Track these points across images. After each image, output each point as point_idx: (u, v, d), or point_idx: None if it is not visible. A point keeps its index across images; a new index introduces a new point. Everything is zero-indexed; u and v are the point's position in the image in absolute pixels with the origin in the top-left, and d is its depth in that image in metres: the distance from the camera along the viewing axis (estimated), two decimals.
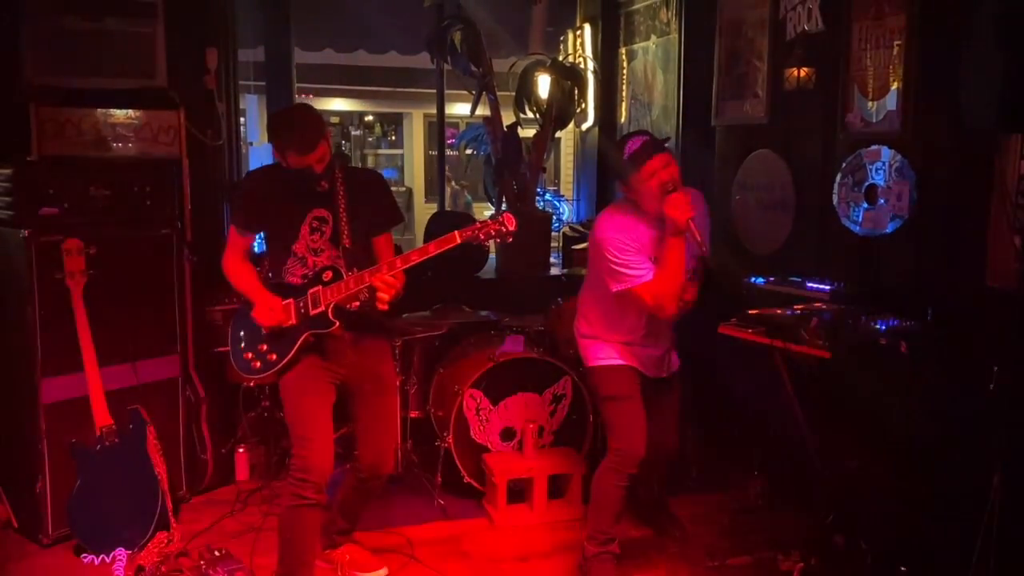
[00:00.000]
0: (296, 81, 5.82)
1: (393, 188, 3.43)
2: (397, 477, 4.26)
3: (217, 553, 3.43)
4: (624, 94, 6.01)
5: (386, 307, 2.96)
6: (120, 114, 4.05)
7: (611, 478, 3.32)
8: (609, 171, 6.21)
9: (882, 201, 3.73)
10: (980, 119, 3.00)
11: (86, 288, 3.56)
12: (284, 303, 3.03)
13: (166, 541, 3.60)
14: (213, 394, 4.19)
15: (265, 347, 3.07)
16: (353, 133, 14.12)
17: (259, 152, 6.98)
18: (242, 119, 5.60)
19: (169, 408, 3.99)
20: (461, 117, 10.09)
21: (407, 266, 2.95)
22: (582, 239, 5.59)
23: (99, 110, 4.00)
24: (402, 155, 14.42)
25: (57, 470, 3.59)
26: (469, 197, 12.90)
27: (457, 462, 4.07)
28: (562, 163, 11.00)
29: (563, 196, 8.06)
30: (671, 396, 3.55)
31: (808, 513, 3.74)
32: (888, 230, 3.72)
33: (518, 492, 4.02)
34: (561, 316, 4.33)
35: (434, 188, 11.48)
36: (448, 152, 7.70)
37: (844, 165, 3.89)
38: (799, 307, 3.37)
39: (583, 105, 6.01)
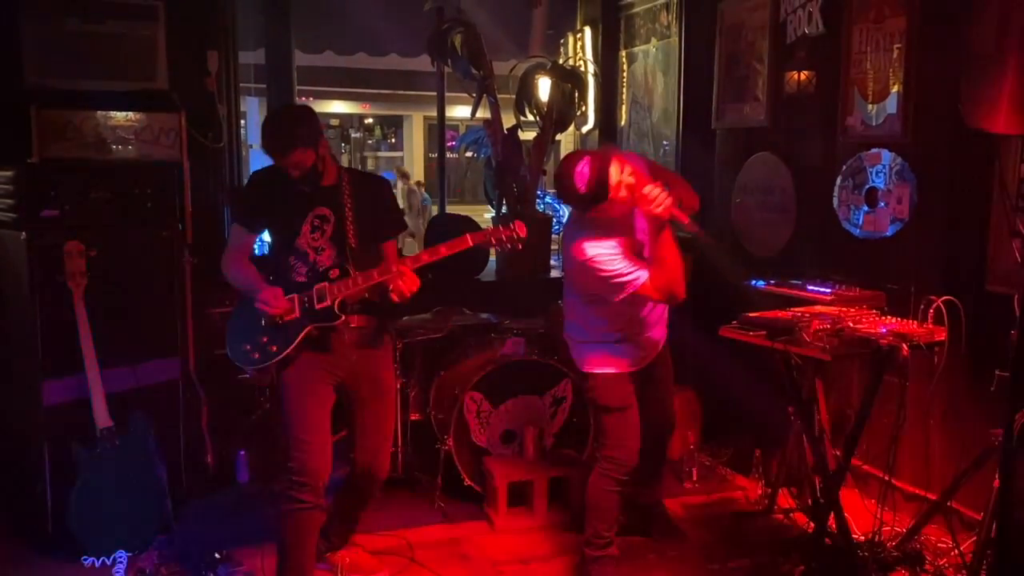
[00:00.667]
0: (297, 83, 5.82)
1: (396, 198, 3.45)
2: (397, 480, 4.26)
3: (218, 556, 3.43)
4: (624, 97, 6.01)
5: (396, 299, 2.98)
6: (121, 116, 4.05)
7: (604, 484, 3.31)
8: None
9: (882, 204, 3.73)
10: (980, 122, 3.02)
11: (87, 290, 3.56)
12: (288, 296, 3.03)
13: (167, 543, 3.59)
14: (214, 396, 4.19)
15: (266, 339, 3.06)
16: (353, 135, 14.13)
17: (259, 154, 6.97)
18: (243, 121, 5.60)
19: (170, 410, 3.99)
20: (461, 120, 10.11)
21: (417, 266, 2.96)
22: None
23: (100, 112, 4.01)
24: (402, 157, 14.43)
25: (58, 472, 3.59)
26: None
27: (457, 465, 4.07)
28: None
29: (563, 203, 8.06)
30: (664, 367, 3.53)
31: (809, 515, 3.74)
32: (888, 232, 3.72)
33: (519, 495, 4.02)
34: (561, 318, 4.33)
35: (434, 191, 11.49)
36: (448, 155, 7.71)
37: (844, 168, 3.90)
38: (800, 310, 3.37)
39: (583, 108, 6.00)
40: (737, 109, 4.68)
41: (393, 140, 14.60)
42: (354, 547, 3.52)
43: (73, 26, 4.15)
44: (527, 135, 5.73)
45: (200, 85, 4.50)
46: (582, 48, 6.23)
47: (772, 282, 3.84)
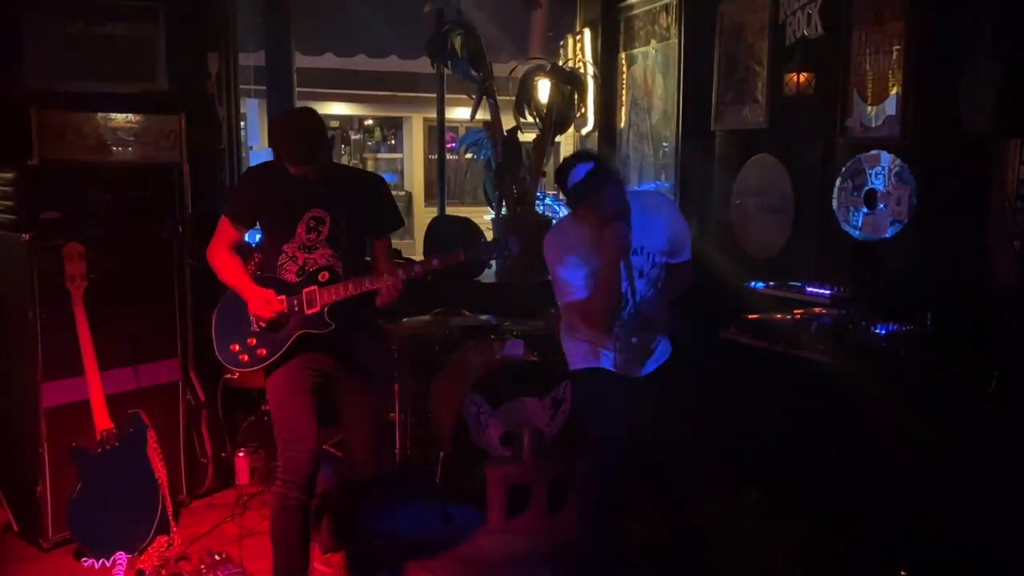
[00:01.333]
0: (296, 85, 5.83)
1: (393, 192, 3.43)
2: (396, 481, 4.26)
3: (217, 557, 3.44)
4: (624, 99, 6.01)
5: (382, 307, 3.01)
6: (121, 118, 4.05)
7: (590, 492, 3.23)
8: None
9: (882, 206, 3.73)
10: (979, 124, 3.02)
11: (87, 292, 3.57)
12: (279, 298, 3.02)
13: (166, 545, 3.60)
14: (213, 398, 4.19)
15: (254, 341, 3.05)
16: (353, 137, 14.11)
17: (259, 156, 6.97)
18: (243, 123, 5.61)
19: (169, 412, 4.00)
20: (461, 121, 10.08)
21: (409, 276, 2.98)
22: None
23: (100, 114, 4.00)
24: (402, 159, 14.42)
25: (57, 474, 3.59)
26: None
27: (457, 466, 4.07)
28: None
29: (563, 200, 8.06)
30: (664, 390, 3.36)
31: (808, 517, 3.74)
32: (888, 235, 3.72)
33: (518, 497, 4.02)
34: (560, 320, 4.33)
35: (434, 192, 11.49)
36: (448, 156, 7.71)
37: (844, 170, 3.90)
38: (799, 312, 3.37)
39: (583, 110, 6.01)
40: (736, 111, 4.68)
41: (393, 142, 14.59)
42: (352, 548, 3.52)
43: (74, 28, 4.16)
44: (527, 137, 5.74)
45: (200, 87, 4.51)
46: (582, 50, 6.24)
47: (771, 284, 3.84)
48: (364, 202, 3.14)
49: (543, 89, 5.60)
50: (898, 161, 3.64)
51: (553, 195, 6.56)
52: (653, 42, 5.56)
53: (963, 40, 3.29)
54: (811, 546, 3.41)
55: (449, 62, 5.45)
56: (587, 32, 6.22)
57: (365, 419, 3.27)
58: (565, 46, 6.57)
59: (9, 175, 3.65)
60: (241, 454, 4.34)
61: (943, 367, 3.17)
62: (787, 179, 4.30)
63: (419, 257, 4.99)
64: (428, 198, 13.60)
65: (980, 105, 3.00)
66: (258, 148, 7.84)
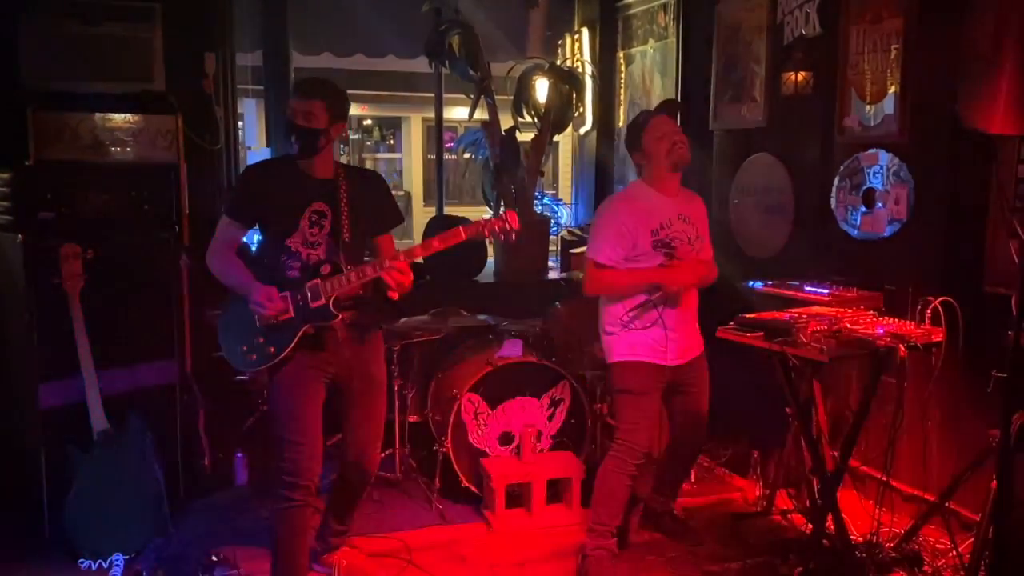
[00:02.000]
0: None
1: (392, 192, 3.43)
2: (395, 481, 4.26)
3: (215, 558, 3.42)
4: (622, 98, 6.01)
5: (395, 296, 2.99)
6: (118, 118, 4.04)
7: (615, 466, 3.38)
8: (607, 175, 6.21)
9: (880, 205, 3.73)
10: (978, 122, 3.01)
11: (83, 292, 3.56)
12: (281, 294, 2.99)
13: (164, 546, 3.59)
14: (211, 398, 4.18)
15: (262, 340, 3.02)
16: (351, 137, 14.12)
17: (257, 156, 6.97)
18: (240, 123, 5.59)
19: (167, 412, 3.98)
20: (459, 121, 10.09)
21: (411, 260, 2.96)
22: (580, 243, 5.58)
23: (97, 114, 3.99)
24: (400, 159, 14.43)
25: (54, 475, 3.58)
26: None
27: (455, 466, 4.07)
28: (560, 167, 11.02)
29: (561, 200, 8.06)
30: (699, 380, 3.57)
31: (807, 516, 3.74)
32: (886, 233, 3.72)
33: (516, 496, 4.01)
34: (559, 320, 4.33)
35: (432, 192, 11.49)
36: (446, 156, 7.70)
37: (842, 169, 3.90)
38: (797, 311, 3.36)
39: (581, 109, 6.01)
40: (735, 110, 4.68)
41: (392, 142, 14.59)
42: (351, 549, 3.52)
43: (70, 28, 4.14)
44: (525, 136, 5.73)
45: (197, 87, 4.50)
46: (580, 49, 6.24)
47: (769, 283, 3.84)
48: (365, 197, 3.13)
49: (541, 88, 5.60)
50: (896, 160, 3.64)
51: (551, 195, 6.56)
52: (651, 41, 5.56)
53: (961, 38, 3.28)
54: (808, 545, 3.40)
55: (447, 62, 5.44)
56: (585, 31, 6.22)
57: (367, 421, 3.27)
58: (563, 45, 6.57)
59: (5, 175, 3.64)
60: (239, 454, 4.34)
61: (942, 366, 3.17)
62: (786, 178, 4.30)
63: (420, 259, 4.99)
64: (427, 198, 13.61)
65: (978, 103, 2.99)
66: (255, 148, 7.83)
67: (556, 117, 5.61)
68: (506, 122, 5.63)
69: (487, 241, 5.53)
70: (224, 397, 4.33)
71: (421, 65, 5.95)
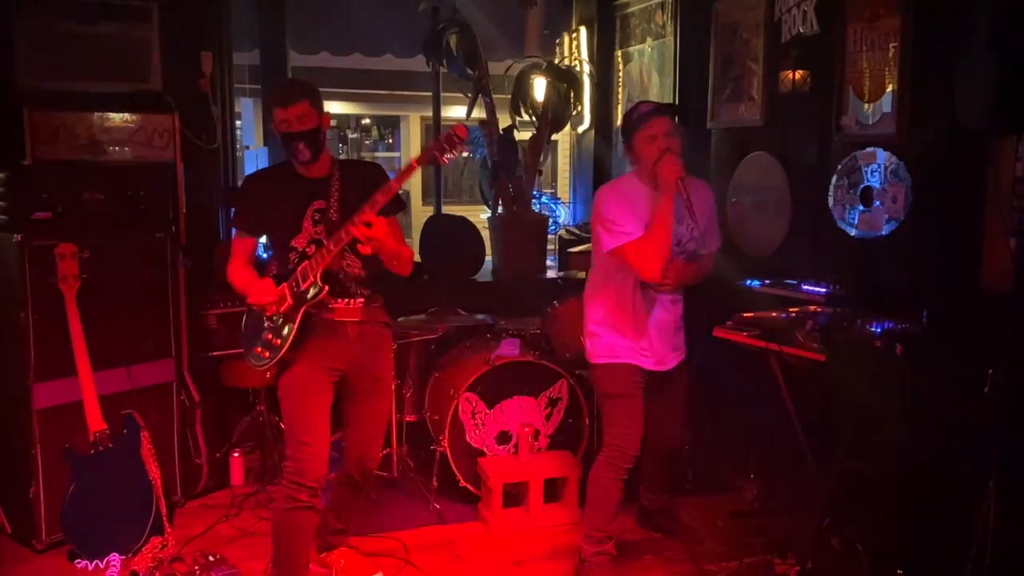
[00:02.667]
0: None
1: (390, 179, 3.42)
2: (392, 481, 4.25)
3: (212, 558, 3.42)
4: (620, 97, 6.00)
5: (368, 251, 2.94)
6: (115, 118, 4.04)
7: (607, 472, 3.34)
8: (605, 173, 6.20)
9: (878, 203, 3.72)
10: (976, 121, 3.01)
11: (80, 292, 3.55)
12: (279, 287, 3.02)
13: (160, 546, 3.59)
14: (208, 398, 4.18)
15: (270, 336, 3.06)
16: (350, 136, 14.10)
17: (254, 156, 6.97)
18: (237, 122, 5.59)
19: (163, 412, 3.98)
20: (457, 120, 10.08)
21: (377, 208, 2.86)
22: (579, 242, 5.58)
23: (93, 114, 3.99)
24: (399, 158, 14.41)
25: (50, 475, 3.58)
26: None
27: (453, 466, 4.06)
28: (558, 166, 11.00)
29: (559, 199, 8.06)
30: (678, 386, 3.54)
31: (804, 516, 3.74)
32: (884, 232, 3.71)
33: (514, 496, 4.01)
34: (557, 319, 4.33)
35: (431, 191, 11.47)
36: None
37: (839, 167, 3.89)
38: (794, 310, 3.36)
39: (579, 108, 6.00)
40: (732, 109, 4.67)
41: (390, 140, 14.57)
42: (349, 548, 3.52)
43: (66, 27, 4.14)
44: (523, 135, 5.73)
45: (194, 86, 4.49)
46: (577, 48, 6.23)
47: (767, 282, 3.84)
48: (363, 188, 3.12)
49: (539, 87, 5.60)
50: (894, 158, 3.64)
51: (549, 194, 6.55)
52: (649, 40, 5.55)
53: (959, 36, 3.27)
54: (806, 544, 3.40)
55: (445, 60, 5.44)
56: (583, 30, 6.21)
57: (372, 419, 3.28)
58: (561, 44, 6.56)
59: (2, 175, 3.63)
60: (236, 454, 4.34)
61: (938, 365, 3.16)
62: (783, 177, 4.30)
63: (418, 258, 4.99)
64: (425, 197, 13.58)
65: (977, 101, 2.99)
66: (253, 148, 7.83)
67: (554, 116, 5.60)
68: (504, 121, 5.63)
69: (486, 241, 5.54)
70: (221, 397, 4.32)
71: (419, 64, 5.95)
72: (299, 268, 3.01)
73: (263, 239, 3.42)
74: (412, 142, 14.00)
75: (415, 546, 3.71)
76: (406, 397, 4.33)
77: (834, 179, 3.92)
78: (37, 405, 3.57)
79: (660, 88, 5.39)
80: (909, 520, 3.47)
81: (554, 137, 6.09)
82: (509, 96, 5.62)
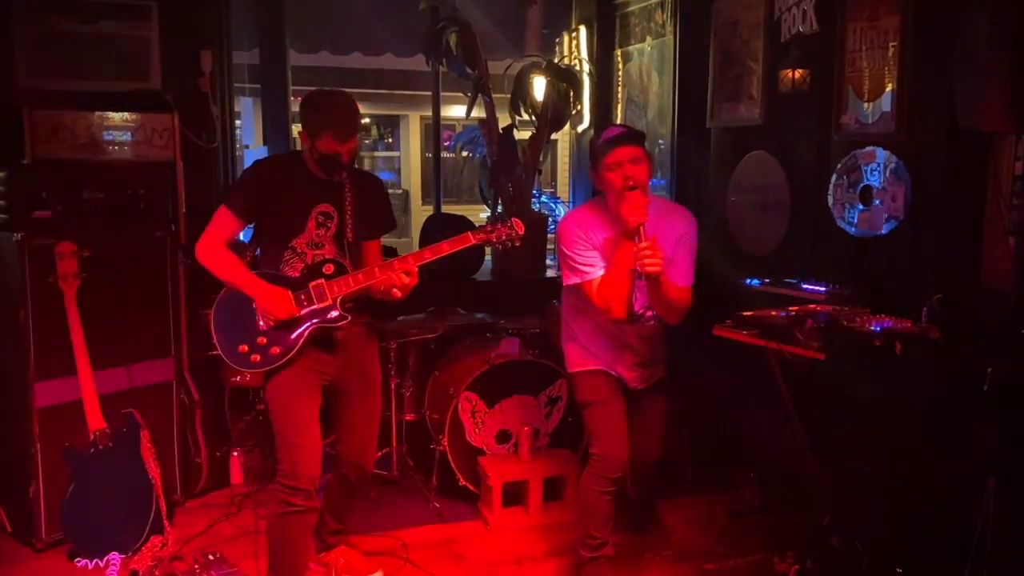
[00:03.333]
0: (291, 83, 5.81)
1: (390, 190, 3.45)
2: (392, 480, 4.26)
3: (211, 557, 3.42)
4: (619, 96, 6.00)
5: (400, 297, 2.99)
6: (115, 117, 4.04)
7: (594, 484, 3.25)
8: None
9: (877, 202, 3.72)
10: (976, 120, 3.01)
11: (79, 291, 3.56)
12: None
13: (160, 545, 3.59)
14: (207, 397, 4.18)
15: (264, 340, 2.98)
16: None
17: (254, 155, 6.97)
18: (237, 122, 5.58)
19: (163, 411, 3.98)
20: (457, 119, 10.09)
21: (420, 263, 2.95)
22: None
23: (93, 113, 3.99)
24: (399, 157, 14.41)
25: (50, 474, 3.58)
26: None
27: (452, 465, 4.07)
28: (558, 165, 11.00)
29: (559, 198, 8.07)
30: (654, 406, 3.48)
31: (803, 515, 3.74)
32: (883, 231, 3.71)
33: (514, 495, 4.01)
34: (557, 318, 4.32)
35: (430, 190, 11.48)
36: (444, 154, 7.70)
37: (839, 166, 3.89)
38: (794, 308, 3.36)
39: (579, 107, 6.00)
40: (732, 108, 4.67)
41: (390, 140, 14.57)
42: (348, 548, 3.52)
43: (66, 26, 4.13)
44: (522, 134, 5.72)
45: (194, 85, 4.49)
46: (577, 47, 6.22)
47: (766, 281, 3.83)
48: (367, 201, 3.13)
49: (538, 86, 5.59)
50: (894, 157, 3.63)
51: (549, 193, 6.55)
52: (648, 39, 5.55)
53: (959, 35, 3.27)
54: (805, 543, 3.40)
55: (444, 60, 5.43)
56: (582, 29, 6.20)
57: (366, 421, 3.27)
58: (561, 43, 6.55)
59: (2, 174, 3.63)
60: (235, 453, 4.34)
61: (938, 364, 3.16)
62: (782, 176, 4.30)
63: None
64: (424, 196, 13.59)
65: (975, 101, 2.99)
66: (252, 147, 7.83)
67: (553, 115, 5.60)
68: (503, 120, 5.63)
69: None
70: (220, 396, 4.32)
71: (419, 63, 5.94)
72: (313, 285, 2.97)
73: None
74: (411, 141, 14.00)
75: (415, 545, 3.71)
76: (406, 396, 4.33)
77: (833, 178, 3.92)
78: (37, 404, 3.57)
79: (660, 87, 5.39)
80: (909, 520, 3.47)
81: (553, 136, 6.08)
82: (509, 95, 5.62)
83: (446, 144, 8.75)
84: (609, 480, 3.23)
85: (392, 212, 3.36)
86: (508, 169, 5.51)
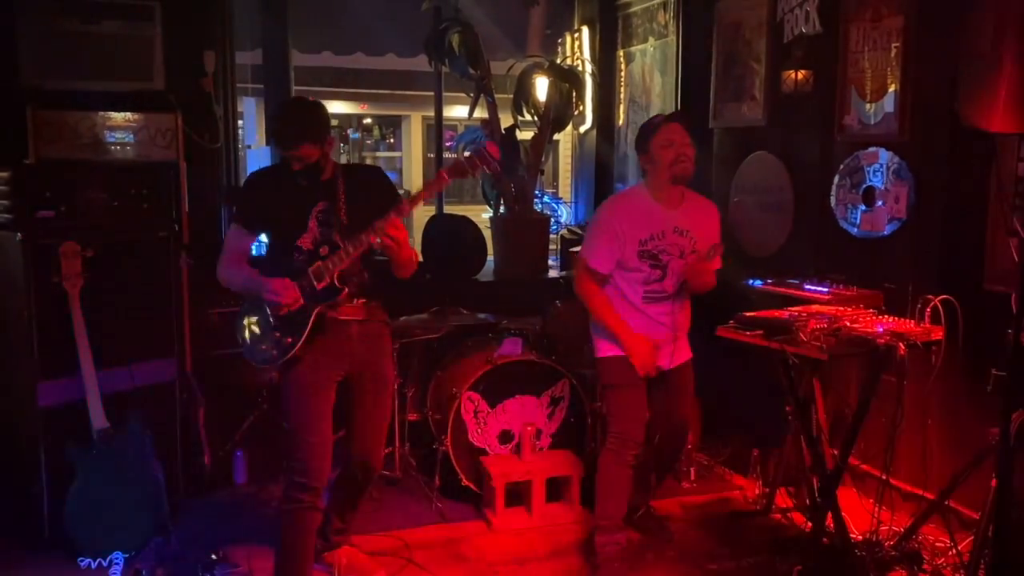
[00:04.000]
0: (294, 84, 5.81)
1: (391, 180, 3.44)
2: (394, 480, 4.26)
3: (215, 556, 3.42)
4: (622, 96, 6.01)
5: (398, 260, 3.04)
6: (118, 117, 4.05)
7: (612, 459, 3.41)
8: (607, 173, 6.21)
9: (880, 203, 3.73)
10: (979, 121, 3.01)
11: (83, 291, 3.55)
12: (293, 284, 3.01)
13: (163, 544, 3.59)
14: (211, 397, 4.18)
15: (279, 334, 3.04)
16: (352, 136, 14.11)
17: (257, 155, 6.97)
18: (240, 122, 5.59)
19: (167, 411, 3.98)
20: (459, 120, 10.07)
21: (403, 216, 2.95)
22: (580, 241, 5.57)
23: (96, 113, 4.00)
24: (400, 158, 14.41)
25: (54, 473, 3.58)
26: None
27: (455, 465, 4.07)
28: (560, 165, 10.99)
29: (561, 198, 8.05)
30: (682, 384, 3.60)
31: (806, 515, 3.74)
32: (886, 232, 3.72)
33: (516, 495, 4.01)
34: (559, 318, 4.33)
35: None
36: (446, 155, 7.70)
37: (842, 167, 3.90)
38: (797, 309, 3.36)
39: (581, 107, 6.00)
40: (734, 108, 4.68)
41: (392, 140, 14.57)
42: (351, 547, 3.52)
43: (69, 26, 4.14)
44: (525, 135, 5.73)
45: (197, 86, 4.49)
46: (580, 48, 6.23)
47: (769, 281, 3.84)
48: (365, 190, 3.14)
49: (541, 87, 5.60)
50: (896, 158, 3.64)
51: (551, 193, 6.55)
52: (651, 39, 5.56)
53: (961, 36, 3.28)
54: (807, 543, 3.40)
55: (447, 60, 5.44)
56: (585, 30, 6.21)
57: (375, 419, 3.28)
58: (563, 44, 6.56)
59: (5, 174, 3.63)
60: (239, 453, 4.34)
61: (941, 365, 3.17)
62: (785, 177, 4.30)
63: (420, 257, 4.98)
64: None
65: (978, 102, 2.99)
66: (255, 147, 7.83)
67: (556, 115, 5.60)
68: (506, 120, 5.63)
69: (487, 241, 5.54)
70: (224, 395, 4.32)
71: (421, 63, 5.94)
72: (312, 268, 3.01)
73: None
74: (413, 141, 14.00)
75: (417, 545, 3.71)
76: (408, 396, 4.33)
77: (836, 179, 3.92)
78: (41, 403, 3.57)
79: (662, 88, 5.40)
80: (911, 520, 3.48)
81: (556, 137, 6.09)
82: (511, 96, 5.62)
83: (448, 144, 8.74)
84: (628, 455, 3.39)
85: (394, 190, 3.34)
86: (510, 170, 5.52)
